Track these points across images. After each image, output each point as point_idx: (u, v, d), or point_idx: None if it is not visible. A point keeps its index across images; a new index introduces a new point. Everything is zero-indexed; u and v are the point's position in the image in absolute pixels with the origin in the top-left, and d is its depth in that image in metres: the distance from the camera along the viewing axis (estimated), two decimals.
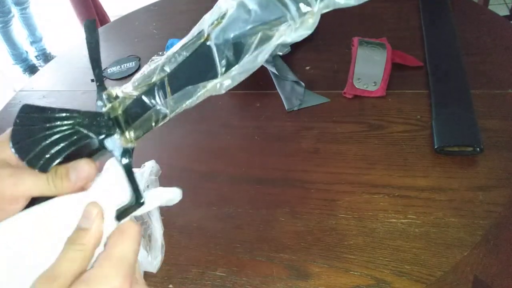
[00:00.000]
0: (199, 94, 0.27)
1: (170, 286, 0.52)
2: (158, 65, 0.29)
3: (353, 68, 0.72)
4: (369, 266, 0.48)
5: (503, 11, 1.93)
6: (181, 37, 0.81)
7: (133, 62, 0.94)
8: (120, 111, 0.29)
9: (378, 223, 0.52)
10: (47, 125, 0.28)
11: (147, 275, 0.52)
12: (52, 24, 2.78)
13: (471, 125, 0.58)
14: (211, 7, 0.77)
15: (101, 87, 0.30)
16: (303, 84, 0.74)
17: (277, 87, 0.75)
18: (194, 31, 0.27)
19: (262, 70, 0.79)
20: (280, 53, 0.81)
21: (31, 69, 2.45)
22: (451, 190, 0.53)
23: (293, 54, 0.83)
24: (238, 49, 0.26)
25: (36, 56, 2.51)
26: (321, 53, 0.83)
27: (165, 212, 0.58)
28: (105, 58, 0.99)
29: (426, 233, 0.50)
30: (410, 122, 0.64)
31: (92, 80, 0.91)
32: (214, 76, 0.27)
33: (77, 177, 0.28)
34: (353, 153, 0.61)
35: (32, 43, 2.49)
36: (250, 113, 0.75)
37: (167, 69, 0.28)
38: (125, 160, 0.29)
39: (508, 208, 0.50)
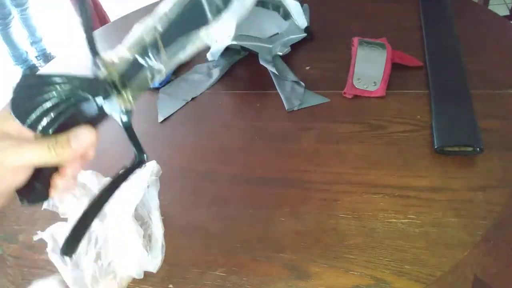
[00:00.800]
0: (191, 44, 0.28)
1: (170, 286, 0.52)
2: (149, 25, 0.29)
3: (353, 68, 0.72)
4: (369, 266, 0.48)
5: (503, 11, 1.93)
6: None
7: None
8: (116, 75, 0.30)
9: (378, 223, 0.52)
10: (46, 88, 0.28)
11: (147, 275, 0.52)
12: (52, 24, 2.77)
13: (471, 125, 0.58)
14: None
15: (94, 52, 0.30)
16: (303, 84, 0.74)
17: (277, 87, 0.75)
18: None
19: (262, 70, 0.79)
20: (280, 53, 0.81)
21: (32, 70, 2.45)
22: (451, 190, 0.53)
23: (293, 54, 0.83)
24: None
25: (36, 57, 2.51)
26: (321, 53, 0.83)
27: (165, 212, 0.58)
28: None
29: (426, 233, 0.50)
30: (410, 122, 0.64)
31: None
32: (205, 24, 0.27)
33: (78, 144, 0.28)
34: (353, 153, 0.61)
35: (32, 43, 2.48)
36: (250, 113, 0.75)
37: (159, 28, 0.28)
38: (124, 119, 0.29)
39: (508, 208, 0.50)
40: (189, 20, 0.28)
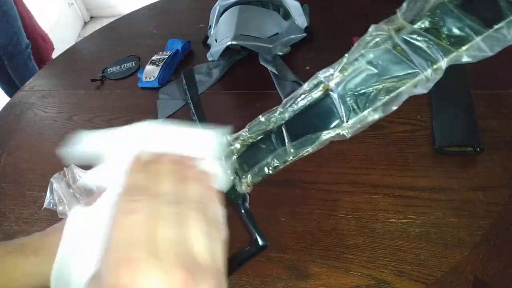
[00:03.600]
0: (321, 140, 0.28)
1: None
2: (274, 113, 0.29)
3: None
4: (369, 266, 0.48)
5: None
6: (181, 37, 0.82)
7: (133, 62, 0.94)
8: (234, 157, 0.30)
9: (378, 223, 0.52)
10: None
11: None
12: None
13: (471, 125, 0.58)
14: (211, 7, 0.78)
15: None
16: (303, 84, 0.74)
17: (277, 87, 0.75)
18: (311, 82, 0.29)
19: (262, 70, 0.79)
20: (280, 53, 0.81)
21: None
22: (451, 190, 0.53)
23: (293, 54, 0.83)
24: (361, 99, 0.26)
25: None
26: (321, 53, 0.83)
27: None
28: (105, 58, 0.99)
29: (426, 233, 0.50)
30: (410, 122, 0.63)
31: (92, 80, 0.91)
32: (338, 124, 0.27)
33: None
34: (353, 153, 0.61)
35: None
36: (250, 113, 0.75)
37: (285, 117, 0.29)
38: (245, 205, 0.30)
39: (508, 208, 0.50)
40: (317, 115, 0.28)
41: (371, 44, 0.26)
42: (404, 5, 0.25)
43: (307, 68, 0.79)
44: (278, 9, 0.87)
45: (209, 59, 0.87)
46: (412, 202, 0.53)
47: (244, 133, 0.30)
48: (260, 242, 0.29)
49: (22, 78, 1.96)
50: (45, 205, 0.62)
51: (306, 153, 0.28)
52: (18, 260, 0.28)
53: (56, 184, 0.62)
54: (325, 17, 0.93)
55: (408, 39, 0.25)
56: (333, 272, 0.48)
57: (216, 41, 0.85)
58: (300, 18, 0.88)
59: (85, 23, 2.96)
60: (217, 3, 0.90)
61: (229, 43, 0.76)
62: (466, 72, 0.67)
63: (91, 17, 3.01)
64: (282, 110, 0.29)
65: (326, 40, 0.86)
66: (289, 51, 0.83)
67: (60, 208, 0.60)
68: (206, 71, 0.85)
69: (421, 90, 0.25)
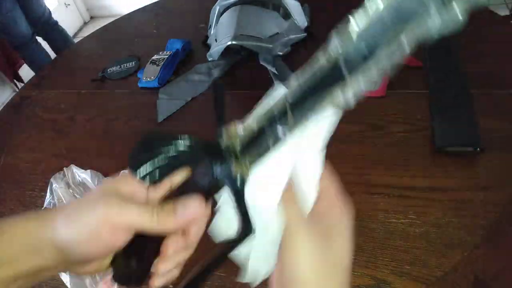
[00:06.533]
0: (322, 103, 0.25)
1: (170, 286, 0.51)
2: (280, 97, 0.28)
3: None
4: (369, 266, 0.48)
5: (503, 11, 1.93)
6: (181, 37, 0.83)
7: (133, 62, 0.94)
8: (237, 144, 0.29)
9: (378, 223, 0.52)
10: (166, 142, 0.29)
11: None
12: None
13: (471, 125, 0.58)
14: (211, 7, 0.78)
15: (221, 122, 0.31)
16: None
17: None
18: (320, 55, 0.26)
19: (262, 70, 0.79)
20: (280, 53, 0.81)
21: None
22: (451, 190, 0.53)
23: (293, 54, 0.83)
24: (371, 52, 0.23)
25: None
26: None
27: None
28: (105, 58, 0.99)
29: (426, 233, 0.50)
30: (410, 122, 0.63)
31: (92, 80, 0.91)
32: (340, 84, 0.24)
33: (183, 215, 0.26)
34: (353, 153, 0.61)
35: None
36: (250, 113, 0.75)
37: (290, 99, 0.27)
38: (237, 187, 0.28)
39: (508, 208, 0.50)
40: (322, 82, 0.25)
41: None
42: None
43: None
44: (278, 9, 0.87)
45: (209, 59, 0.87)
46: (412, 202, 0.53)
47: (249, 121, 0.29)
48: (245, 230, 0.27)
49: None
50: (45, 205, 0.62)
51: (306, 121, 0.26)
52: (17, 221, 0.27)
53: (56, 184, 0.62)
54: (325, 17, 0.93)
55: None
56: None
57: (216, 41, 0.85)
58: (300, 18, 0.88)
59: (85, 23, 2.96)
60: (217, 3, 0.90)
61: (229, 43, 0.76)
62: (466, 72, 0.67)
63: (91, 17, 3.01)
64: (288, 92, 0.27)
65: (326, 40, 0.85)
66: (289, 51, 0.83)
67: None
68: (206, 71, 0.85)
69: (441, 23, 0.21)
